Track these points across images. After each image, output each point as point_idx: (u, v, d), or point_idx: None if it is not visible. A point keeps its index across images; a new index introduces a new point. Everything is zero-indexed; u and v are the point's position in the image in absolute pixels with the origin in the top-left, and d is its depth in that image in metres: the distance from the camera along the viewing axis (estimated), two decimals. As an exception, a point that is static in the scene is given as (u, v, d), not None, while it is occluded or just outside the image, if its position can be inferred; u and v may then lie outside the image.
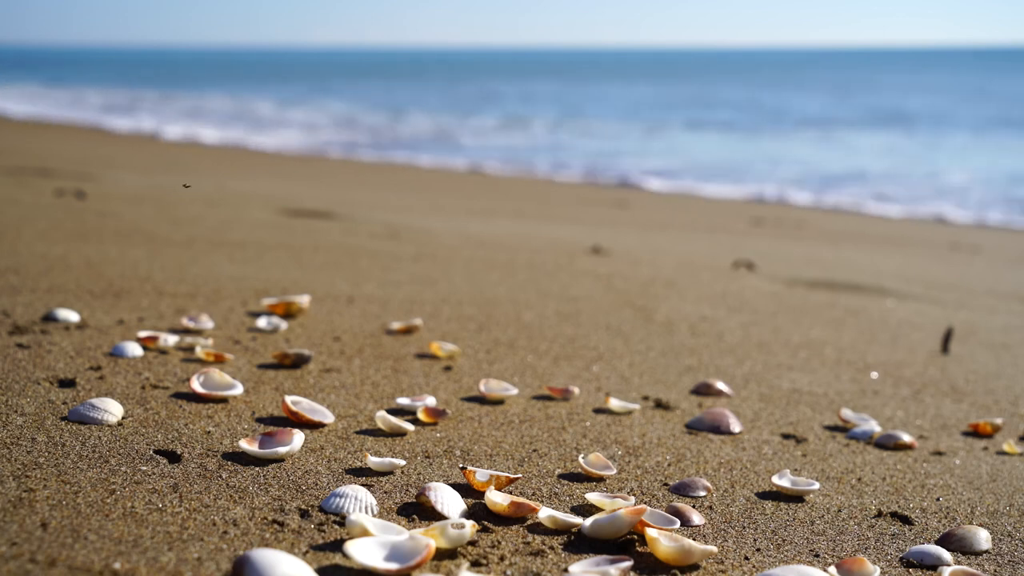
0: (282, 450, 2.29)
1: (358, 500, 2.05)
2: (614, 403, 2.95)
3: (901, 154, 19.47)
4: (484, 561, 1.87)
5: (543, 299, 4.52)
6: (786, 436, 2.87)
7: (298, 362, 3.10)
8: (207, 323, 3.46)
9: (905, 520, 2.30)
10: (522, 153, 18.90)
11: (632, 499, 2.20)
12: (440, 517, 2.05)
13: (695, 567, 1.94)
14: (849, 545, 2.13)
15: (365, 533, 1.86)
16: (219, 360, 3.03)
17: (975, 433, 3.08)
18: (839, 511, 2.32)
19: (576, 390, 3.07)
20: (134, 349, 3.04)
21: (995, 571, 2.08)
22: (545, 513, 2.06)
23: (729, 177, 15.34)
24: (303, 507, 2.04)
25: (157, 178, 9.52)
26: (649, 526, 2.03)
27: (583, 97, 40.07)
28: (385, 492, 2.18)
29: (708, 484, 2.38)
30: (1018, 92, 42.56)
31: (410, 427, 2.59)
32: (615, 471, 2.43)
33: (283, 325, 3.55)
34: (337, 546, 1.87)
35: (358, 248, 5.62)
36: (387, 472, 2.30)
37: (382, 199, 9.51)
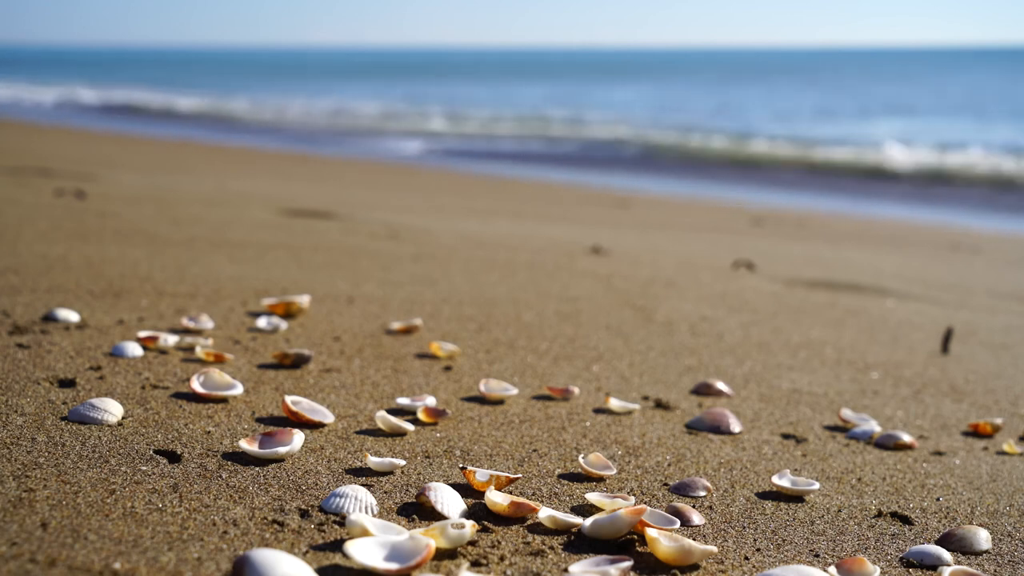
0: (282, 450, 2.29)
1: (358, 500, 2.05)
2: (614, 403, 2.95)
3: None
4: (484, 561, 1.87)
5: (543, 299, 4.52)
6: (786, 436, 2.87)
7: (298, 362, 3.10)
8: (207, 323, 3.46)
9: (905, 520, 2.30)
10: (526, 159, 18.78)
11: (632, 499, 2.20)
12: (440, 517, 2.05)
13: (695, 567, 1.94)
14: (849, 545, 2.13)
15: (365, 533, 1.86)
16: (219, 360, 3.03)
17: (975, 433, 3.08)
18: (839, 511, 2.32)
19: (576, 390, 3.07)
20: (134, 349, 3.04)
21: (995, 571, 2.08)
22: (545, 513, 2.06)
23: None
24: (303, 507, 2.04)
25: (157, 178, 9.51)
26: (649, 526, 2.03)
27: (584, 99, 40.04)
28: (385, 492, 2.18)
29: (708, 484, 2.38)
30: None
31: (410, 427, 2.59)
32: (615, 471, 2.43)
33: (283, 325, 3.55)
34: (337, 546, 1.87)
35: (358, 248, 5.62)
36: (387, 472, 2.30)
37: (382, 199, 9.50)
